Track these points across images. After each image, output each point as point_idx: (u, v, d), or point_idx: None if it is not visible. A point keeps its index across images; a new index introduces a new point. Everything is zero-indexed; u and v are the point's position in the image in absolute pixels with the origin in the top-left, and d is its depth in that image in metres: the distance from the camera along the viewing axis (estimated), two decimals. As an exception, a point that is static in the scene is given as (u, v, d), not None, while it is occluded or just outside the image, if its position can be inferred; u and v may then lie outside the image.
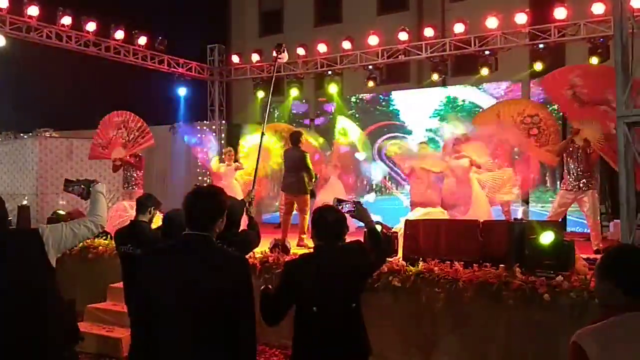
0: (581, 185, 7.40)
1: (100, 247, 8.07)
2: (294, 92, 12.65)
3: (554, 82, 7.70)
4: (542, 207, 10.46)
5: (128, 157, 9.93)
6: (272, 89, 7.08)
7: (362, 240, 3.95)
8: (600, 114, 7.29)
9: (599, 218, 7.73)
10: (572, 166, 7.45)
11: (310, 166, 8.45)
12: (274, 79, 7.18)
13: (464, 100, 11.62)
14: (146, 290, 2.67)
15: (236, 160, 10.19)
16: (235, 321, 2.58)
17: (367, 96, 13.35)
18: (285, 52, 7.12)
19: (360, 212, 3.52)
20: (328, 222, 3.27)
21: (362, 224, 3.63)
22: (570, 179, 7.47)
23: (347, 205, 3.54)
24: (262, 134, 6.10)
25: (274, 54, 7.00)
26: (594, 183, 7.52)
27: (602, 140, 7.31)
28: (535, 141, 8.68)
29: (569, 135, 7.54)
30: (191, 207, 2.75)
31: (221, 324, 2.56)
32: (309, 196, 8.51)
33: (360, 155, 10.59)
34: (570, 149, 7.48)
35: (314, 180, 8.69)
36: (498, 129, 8.64)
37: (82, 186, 3.51)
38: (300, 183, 8.28)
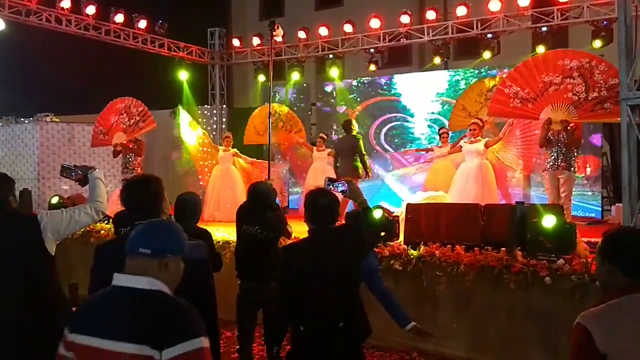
0: (561, 164, 7.37)
1: (102, 231, 8.08)
2: (295, 75, 12.59)
3: (499, 105, 7.64)
4: (543, 191, 10.41)
5: (127, 142, 9.88)
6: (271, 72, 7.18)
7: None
8: (553, 96, 7.22)
9: (571, 198, 7.68)
10: (554, 149, 7.38)
11: (363, 151, 9.01)
12: (272, 62, 7.28)
13: (467, 84, 11.50)
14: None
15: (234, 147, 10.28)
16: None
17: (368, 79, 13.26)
18: (280, 28, 7.30)
19: (352, 191, 3.44)
20: (320, 205, 3.24)
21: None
22: (551, 160, 7.43)
23: (339, 185, 3.46)
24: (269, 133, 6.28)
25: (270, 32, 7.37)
26: (573, 164, 7.49)
27: (573, 111, 7.22)
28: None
29: (544, 126, 7.39)
30: (131, 196, 2.90)
31: None
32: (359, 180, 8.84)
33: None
34: (550, 136, 7.40)
35: (367, 166, 9.05)
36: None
37: (80, 172, 3.47)
38: (354, 167, 8.79)
